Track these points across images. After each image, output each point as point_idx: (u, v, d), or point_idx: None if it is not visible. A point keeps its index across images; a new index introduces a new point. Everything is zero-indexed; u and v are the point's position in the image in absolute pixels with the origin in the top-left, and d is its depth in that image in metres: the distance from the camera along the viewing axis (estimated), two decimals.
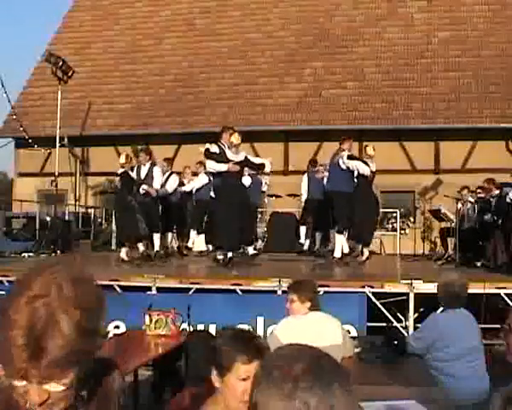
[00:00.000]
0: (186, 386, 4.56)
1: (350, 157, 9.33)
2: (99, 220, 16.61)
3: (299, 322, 3.80)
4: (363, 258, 9.80)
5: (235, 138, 8.71)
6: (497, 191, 9.35)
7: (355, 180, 9.45)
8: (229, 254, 8.74)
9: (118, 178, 10.18)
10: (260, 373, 1.10)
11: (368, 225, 9.87)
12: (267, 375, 1.07)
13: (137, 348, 5.05)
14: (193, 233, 11.90)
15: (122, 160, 10.08)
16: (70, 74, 13.88)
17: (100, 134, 17.56)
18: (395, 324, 6.94)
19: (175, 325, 5.25)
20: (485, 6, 18.25)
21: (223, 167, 8.47)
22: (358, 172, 9.40)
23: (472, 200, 10.79)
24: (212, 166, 8.57)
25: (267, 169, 9.24)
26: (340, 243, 9.53)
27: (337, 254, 9.48)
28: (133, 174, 9.98)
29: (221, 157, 8.52)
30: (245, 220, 8.73)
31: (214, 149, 8.65)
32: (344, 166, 9.25)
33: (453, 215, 10.69)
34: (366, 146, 10.18)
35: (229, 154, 8.59)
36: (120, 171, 10.01)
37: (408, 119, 15.94)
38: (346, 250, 9.69)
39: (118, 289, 7.43)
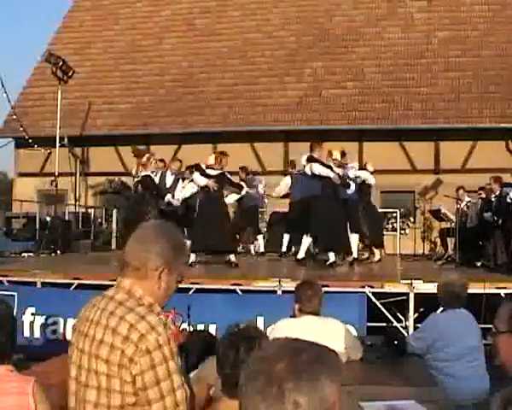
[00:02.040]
0: None
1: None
2: (99, 220, 16.61)
3: (289, 324, 3.85)
4: (375, 259, 9.97)
5: (337, 154, 9.42)
6: (498, 191, 9.36)
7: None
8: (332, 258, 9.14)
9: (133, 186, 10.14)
10: (244, 380, 1.06)
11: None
12: (251, 381, 1.04)
13: None
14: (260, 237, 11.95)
15: (133, 172, 10.21)
16: (70, 74, 13.89)
17: (100, 134, 17.56)
18: (395, 324, 6.94)
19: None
20: (485, 6, 18.25)
21: (330, 173, 8.94)
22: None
23: (469, 199, 10.82)
24: (319, 168, 8.96)
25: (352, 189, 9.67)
26: (356, 243, 9.85)
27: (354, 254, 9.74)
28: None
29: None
30: (338, 226, 9.13)
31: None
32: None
33: (453, 215, 10.69)
34: (366, 163, 10.58)
35: (332, 165, 9.19)
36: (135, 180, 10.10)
37: (408, 119, 15.93)
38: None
39: None
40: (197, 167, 9.23)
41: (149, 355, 1.87)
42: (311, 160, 9.07)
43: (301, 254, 9.36)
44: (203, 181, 9.00)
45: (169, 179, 10.15)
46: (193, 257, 8.91)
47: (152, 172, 10.05)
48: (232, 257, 9.09)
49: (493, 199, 9.38)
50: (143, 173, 9.69)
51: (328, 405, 1.02)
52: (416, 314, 6.87)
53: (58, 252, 11.86)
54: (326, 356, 1.08)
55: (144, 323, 1.91)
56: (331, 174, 8.96)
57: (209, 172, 9.07)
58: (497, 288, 6.87)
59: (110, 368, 1.90)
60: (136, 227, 2.20)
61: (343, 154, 9.89)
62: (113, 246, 14.34)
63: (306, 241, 9.38)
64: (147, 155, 10.06)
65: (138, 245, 2.04)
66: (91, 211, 16.58)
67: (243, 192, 10.10)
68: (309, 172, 9.07)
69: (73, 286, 7.60)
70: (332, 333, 3.76)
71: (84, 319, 2.07)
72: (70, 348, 2.12)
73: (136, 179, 10.06)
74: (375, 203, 11.57)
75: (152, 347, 1.88)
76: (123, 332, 1.90)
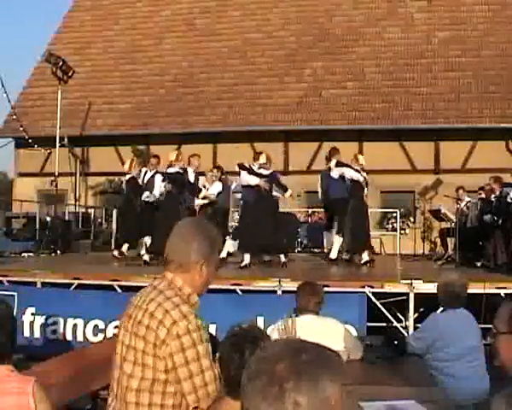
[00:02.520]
0: None
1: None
2: (99, 220, 16.62)
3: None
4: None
5: (362, 159, 9.97)
6: (498, 191, 9.35)
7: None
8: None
9: (124, 183, 10.28)
10: (245, 380, 1.06)
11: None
12: (253, 381, 1.03)
13: None
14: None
15: (126, 166, 10.40)
16: (70, 74, 13.89)
17: (100, 134, 17.56)
18: (395, 324, 6.94)
19: None
20: (485, 6, 18.25)
21: (360, 177, 9.56)
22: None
23: (469, 199, 10.81)
24: (351, 173, 9.55)
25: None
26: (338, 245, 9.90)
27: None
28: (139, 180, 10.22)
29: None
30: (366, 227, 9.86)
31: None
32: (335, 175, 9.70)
33: (453, 215, 10.69)
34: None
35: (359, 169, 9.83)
36: (128, 177, 10.23)
37: (408, 119, 15.94)
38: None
39: (118, 289, 7.44)
40: (243, 166, 9.10)
41: (179, 339, 2.12)
42: (341, 164, 9.58)
43: (334, 255, 9.59)
44: (255, 180, 8.89)
45: (191, 176, 9.95)
46: (247, 258, 8.85)
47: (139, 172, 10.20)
48: (283, 257, 9.15)
49: (493, 199, 9.38)
50: (174, 169, 9.36)
51: (329, 406, 1.01)
52: (416, 314, 6.87)
53: (58, 252, 11.86)
54: (328, 357, 1.07)
55: (177, 311, 2.15)
56: (361, 178, 9.49)
57: (261, 171, 9.05)
58: (497, 288, 6.87)
59: (146, 345, 2.15)
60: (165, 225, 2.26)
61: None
62: (113, 246, 14.33)
63: (338, 241, 9.59)
64: (176, 152, 9.85)
65: (179, 242, 2.30)
66: (91, 211, 16.58)
67: (287, 194, 9.73)
68: (335, 176, 9.52)
69: (73, 286, 7.60)
70: (332, 333, 3.78)
71: (131, 304, 2.32)
72: (119, 328, 2.40)
73: (165, 173, 9.69)
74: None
75: (182, 332, 2.12)
76: (158, 317, 2.15)
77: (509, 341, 1.99)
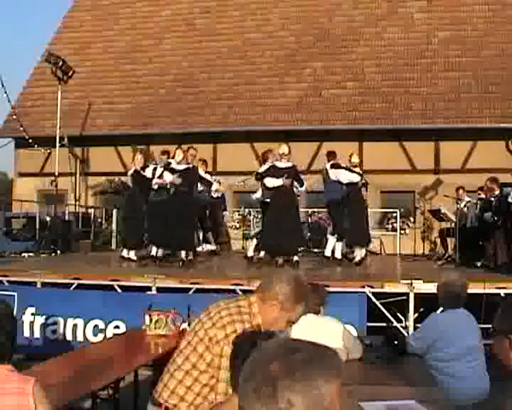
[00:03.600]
0: None
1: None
2: (99, 220, 16.61)
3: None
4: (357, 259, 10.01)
5: (356, 158, 10.24)
6: (498, 191, 9.34)
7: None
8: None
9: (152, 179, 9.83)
10: (241, 379, 1.07)
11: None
12: (248, 380, 1.04)
13: (137, 348, 5.05)
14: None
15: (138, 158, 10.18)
16: (70, 74, 13.90)
17: (100, 134, 17.55)
18: (395, 324, 6.94)
19: (175, 325, 5.26)
20: (485, 6, 18.24)
21: (355, 178, 9.80)
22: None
23: (469, 199, 10.82)
24: (349, 176, 9.77)
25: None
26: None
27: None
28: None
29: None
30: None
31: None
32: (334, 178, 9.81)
33: (453, 215, 10.69)
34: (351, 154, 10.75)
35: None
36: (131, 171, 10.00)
37: (408, 119, 15.93)
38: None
39: (118, 289, 7.44)
40: (339, 166, 9.70)
41: (219, 346, 2.43)
42: (336, 167, 9.86)
43: (328, 253, 9.81)
44: (357, 178, 9.57)
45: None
46: (363, 252, 9.64)
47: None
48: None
49: (493, 199, 9.37)
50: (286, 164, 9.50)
51: (323, 405, 1.01)
52: (416, 314, 6.87)
53: (58, 252, 11.86)
54: (323, 356, 1.07)
55: (231, 326, 2.47)
56: (356, 179, 9.74)
57: (357, 169, 9.78)
58: (497, 288, 6.87)
59: (193, 338, 2.50)
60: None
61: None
62: (113, 246, 14.34)
63: (332, 241, 9.83)
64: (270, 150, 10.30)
65: (272, 278, 2.65)
66: (91, 211, 16.58)
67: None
68: (334, 178, 9.75)
69: (73, 286, 7.60)
70: (331, 333, 3.78)
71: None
72: None
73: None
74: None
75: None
76: (213, 320, 2.50)
77: (499, 341, 2.03)
